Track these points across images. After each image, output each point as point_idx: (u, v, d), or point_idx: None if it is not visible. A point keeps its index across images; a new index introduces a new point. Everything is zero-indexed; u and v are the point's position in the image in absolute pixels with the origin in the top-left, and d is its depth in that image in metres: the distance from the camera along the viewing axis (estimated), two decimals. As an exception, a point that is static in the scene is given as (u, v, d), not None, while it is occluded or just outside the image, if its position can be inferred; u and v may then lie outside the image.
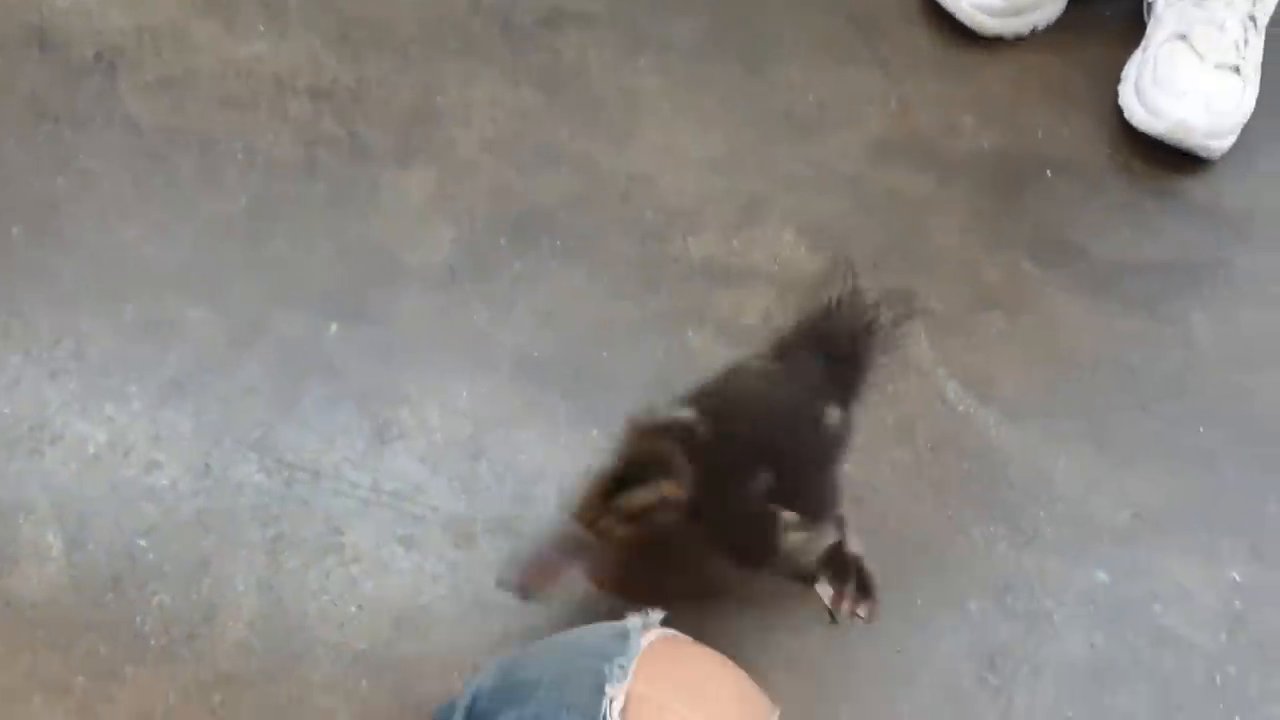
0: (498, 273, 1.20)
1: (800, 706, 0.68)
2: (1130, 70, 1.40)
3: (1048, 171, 1.36)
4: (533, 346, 1.16)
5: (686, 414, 0.89)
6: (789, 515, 0.90)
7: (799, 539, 0.91)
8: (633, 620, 0.75)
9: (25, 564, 0.97)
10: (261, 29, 1.30)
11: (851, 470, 1.11)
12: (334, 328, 1.13)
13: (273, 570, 0.99)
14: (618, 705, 0.67)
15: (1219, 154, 1.36)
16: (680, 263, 1.23)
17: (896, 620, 1.04)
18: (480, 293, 1.18)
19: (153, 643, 0.96)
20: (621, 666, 0.69)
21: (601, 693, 0.67)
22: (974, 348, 1.21)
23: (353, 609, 0.99)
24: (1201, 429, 1.19)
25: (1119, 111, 1.38)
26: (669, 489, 0.83)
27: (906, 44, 1.41)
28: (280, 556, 1.00)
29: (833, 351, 0.95)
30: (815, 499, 0.93)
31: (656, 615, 0.76)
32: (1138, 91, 1.37)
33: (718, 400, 0.92)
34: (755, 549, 0.90)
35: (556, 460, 1.08)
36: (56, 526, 0.99)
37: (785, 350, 0.96)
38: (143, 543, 0.99)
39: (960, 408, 1.17)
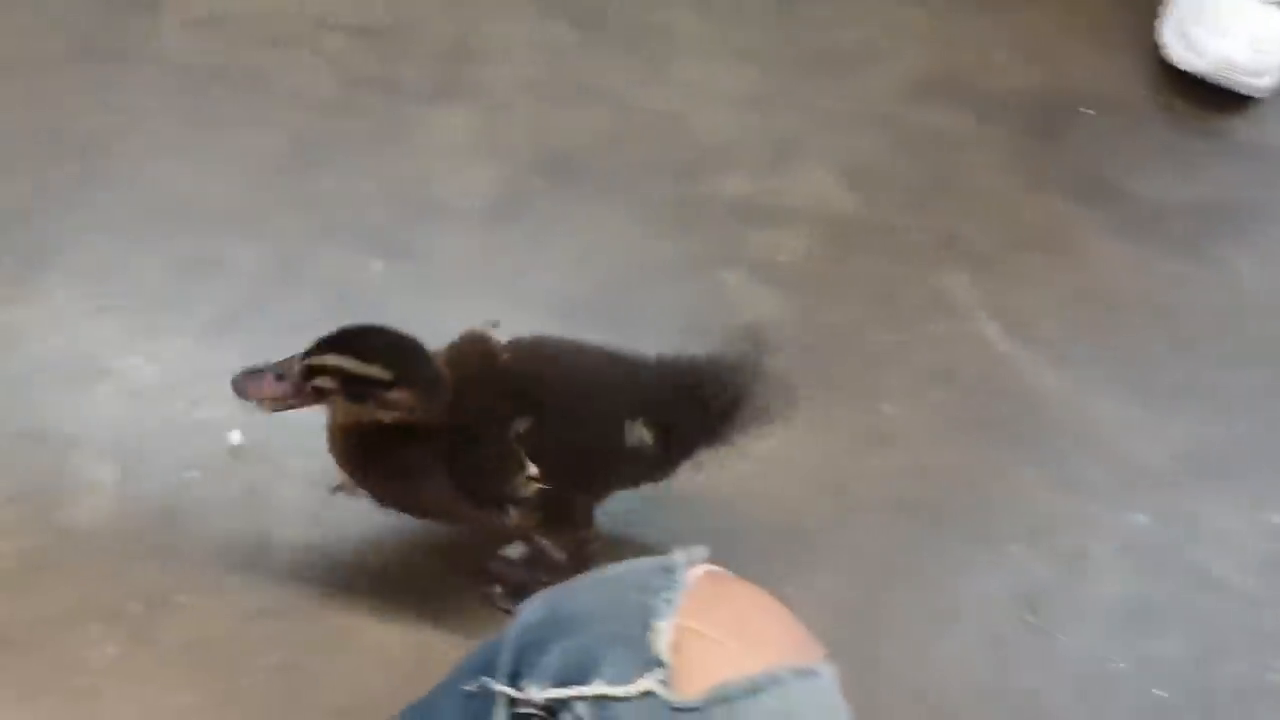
0: (534, 211, 1.20)
1: (841, 646, 0.68)
2: (1172, 6, 1.38)
3: (1089, 110, 1.34)
4: (569, 285, 1.16)
5: (501, 338, 0.91)
6: (532, 469, 0.88)
7: (531, 499, 0.90)
8: (677, 555, 0.75)
9: (79, 495, 0.99)
10: (300, -34, 1.29)
11: (892, 411, 1.12)
12: (377, 265, 1.14)
13: (321, 503, 1.00)
14: (665, 638, 0.67)
15: (1264, 92, 1.34)
16: (715, 202, 1.23)
17: (937, 561, 1.05)
18: (517, 231, 1.18)
19: (204, 572, 0.97)
20: (668, 601, 0.69)
21: (649, 626, 0.68)
22: (1014, 288, 1.21)
23: (400, 542, 1.01)
24: (1244, 372, 1.18)
25: (1160, 49, 1.36)
26: (367, 370, 0.84)
27: (946, -20, 1.39)
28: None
29: (690, 396, 0.92)
30: (564, 476, 0.90)
31: (701, 551, 0.77)
32: (1179, 28, 1.35)
33: (537, 345, 0.92)
34: (488, 485, 0.89)
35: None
36: (108, 459, 1.00)
37: (655, 366, 0.93)
38: (194, 474, 1.01)
39: (1000, 349, 1.17)
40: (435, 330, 1.10)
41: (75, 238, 1.12)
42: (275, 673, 0.94)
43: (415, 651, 0.95)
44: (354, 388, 0.84)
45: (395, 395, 0.85)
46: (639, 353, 0.93)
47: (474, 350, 0.91)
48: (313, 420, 1.04)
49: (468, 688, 0.71)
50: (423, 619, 0.97)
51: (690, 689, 0.65)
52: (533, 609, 0.74)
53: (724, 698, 0.64)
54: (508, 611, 0.95)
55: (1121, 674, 1.01)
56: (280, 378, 0.85)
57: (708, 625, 0.68)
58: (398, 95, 1.24)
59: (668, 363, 0.93)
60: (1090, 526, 1.08)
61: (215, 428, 1.04)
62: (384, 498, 0.93)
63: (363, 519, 1.01)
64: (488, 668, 0.71)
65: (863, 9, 1.38)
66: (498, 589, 0.98)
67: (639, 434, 0.91)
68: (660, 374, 0.93)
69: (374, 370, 0.84)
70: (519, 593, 0.98)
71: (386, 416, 0.86)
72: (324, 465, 1.02)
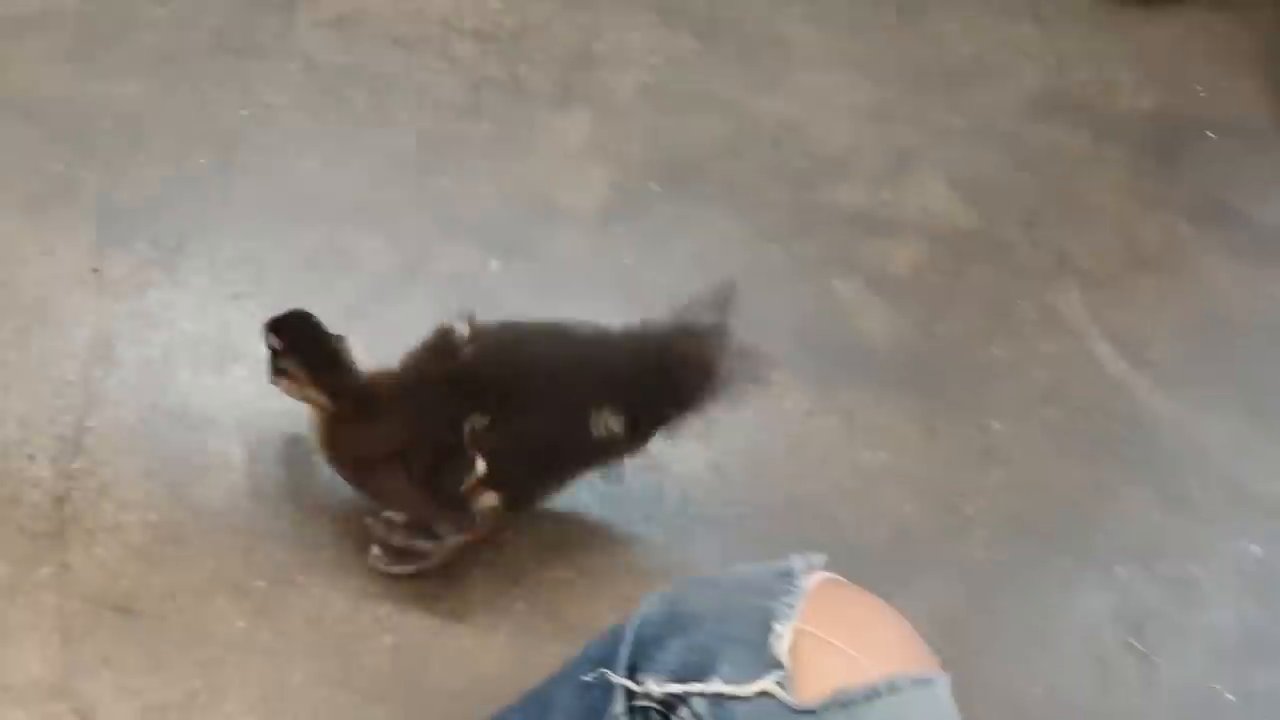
0: (649, 215, 1.22)
1: (942, 658, 0.69)
2: (1300, 29, 1.35)
3: (1209, 133, 1.32)
4: (682, 288, 1.17)
5: (461, 330, 0.92)
6: (481, 468, 0.89)
7: (479, 495, 0.91)
8: (796, 560, 0.76)
9: (212, 474, 1.03)
10: (429, -31, 1.33)
11: (1001, 427, 1.12)
12: (495, 264, 1.17)
13: (436, 493, 1.03)
14: (785, 641, 0.68)
15: (1394, 119, 1.31)
16: (830, 211, 1.24)
17: (1042, 579, 1.04)
18: (632, 234, 1.20)
19: (324, 553, 1.01)
20: (789, 605, 0.70)
21: (768, 628, 0.68)
22: (1128, 309, 1.20)
23: (508, 534, 1.03)
24: (1366, 404, 1.16)
25: (1288, 72, 1.34)
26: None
27: (1065, -2, 1.38)
28: (446, 480, 1.05)
29: (659, 372, 0.90)
30: (525, 470, 0.91)
31: (819, 558, 0.78)
32: (1307, 51, 1.33)
33: (501, 336, 0.92)
34: (441, 485, 0.91)
35: (706, 402, 1.10)
36: (239, 440, 1.04)
37: (623, 342, 0.92)
38: (319, 458, 1.04)
39: (1111, 369, 1.16)
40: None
41: (210, 226, 1.16)
42: (389, 653, 0.97)
43: (519, 639, 0.98)
44: (273, 362, 0.92)
45: (286, 363, 0.91)
46: (607, 328, 0.93)
47: (435, 347, 0.94)
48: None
49: (586, 678, 0.73)
50: (528, 609, 0.99)
51: (808, 693, 0.66)
52: (652, 605, 0.76)
53: (842, 703, 0.65)
54: (385, 573, 0.98)
55: (1228, 705, 1.00)
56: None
57: (826, 631, 0.69)
58: (520, 98, 1.27)
59: (635, 337, 0.92)
60: (1200, 552, 1.07)
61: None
62: (354, 483, 0.97)
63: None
64: (606, 660, 0.73)
65: (980, 25, 1.38)
66: (375, 550, 0.99)
67: (605, 422, 0.90)
68: (628, 350, 0.92)
69: (271, 340, 0.92)
70: (399, 557, 0.99)
71: (297, 394, 0.92)
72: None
